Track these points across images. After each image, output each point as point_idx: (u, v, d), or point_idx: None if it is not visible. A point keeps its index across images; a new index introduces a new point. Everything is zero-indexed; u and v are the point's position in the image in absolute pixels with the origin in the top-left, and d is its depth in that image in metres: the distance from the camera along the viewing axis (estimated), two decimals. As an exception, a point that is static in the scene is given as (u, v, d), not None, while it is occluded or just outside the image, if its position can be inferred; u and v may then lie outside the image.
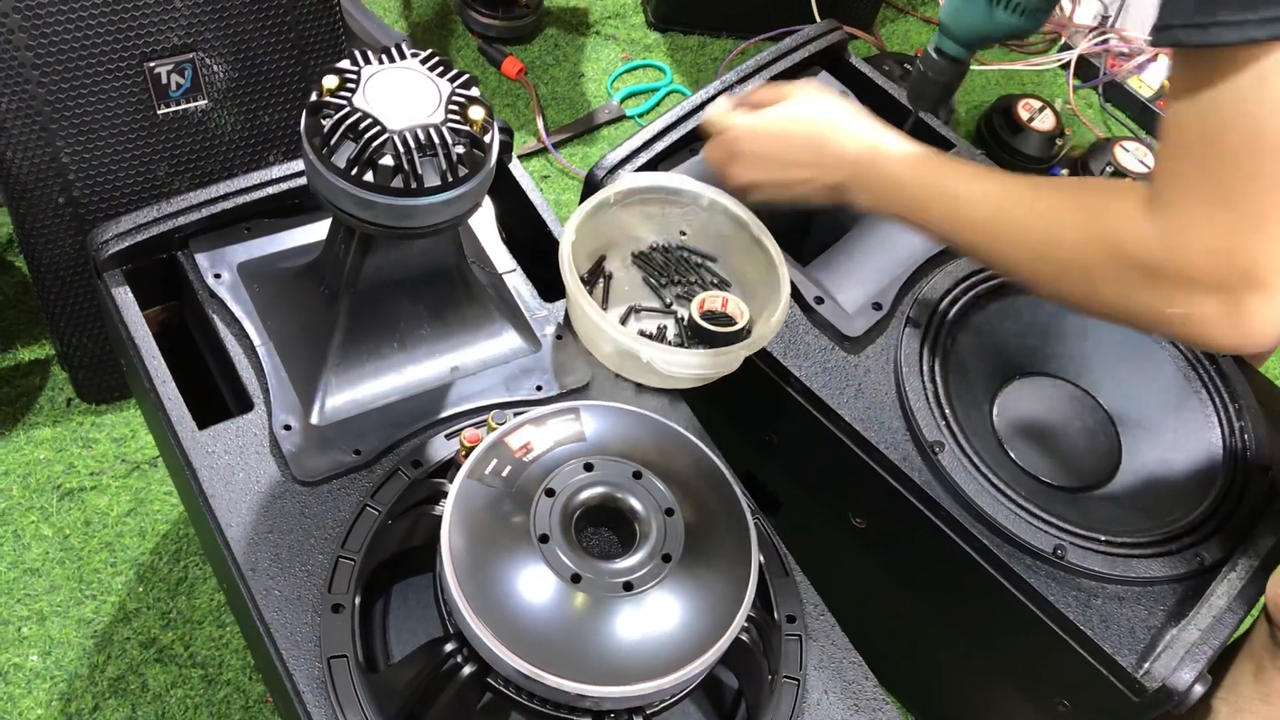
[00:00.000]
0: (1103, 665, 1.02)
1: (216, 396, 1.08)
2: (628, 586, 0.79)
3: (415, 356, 1.01)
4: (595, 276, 1.13)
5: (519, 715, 0.84)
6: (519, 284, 1.10)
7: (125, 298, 1.03)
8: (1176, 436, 1.18)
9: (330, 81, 0.85)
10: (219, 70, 1.37)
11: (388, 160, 0.83)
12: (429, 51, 0.89)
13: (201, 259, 1.05)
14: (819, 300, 1.16)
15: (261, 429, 0.97)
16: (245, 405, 0.99)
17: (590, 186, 1.20)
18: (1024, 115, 1.99)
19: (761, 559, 0.96)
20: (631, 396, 1.05)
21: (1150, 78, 2.19)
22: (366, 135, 0.83)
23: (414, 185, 0.84)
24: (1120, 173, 1.99)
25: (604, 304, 1.12)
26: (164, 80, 1.34)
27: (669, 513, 0.83)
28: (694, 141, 1.24)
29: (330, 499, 0.95)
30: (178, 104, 1.36)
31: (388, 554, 0.89)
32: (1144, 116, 2.16)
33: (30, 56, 1.25)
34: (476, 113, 0.87)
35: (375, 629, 0.90)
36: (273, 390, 0.98)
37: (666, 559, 0.81)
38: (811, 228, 1.37)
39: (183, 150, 1.39)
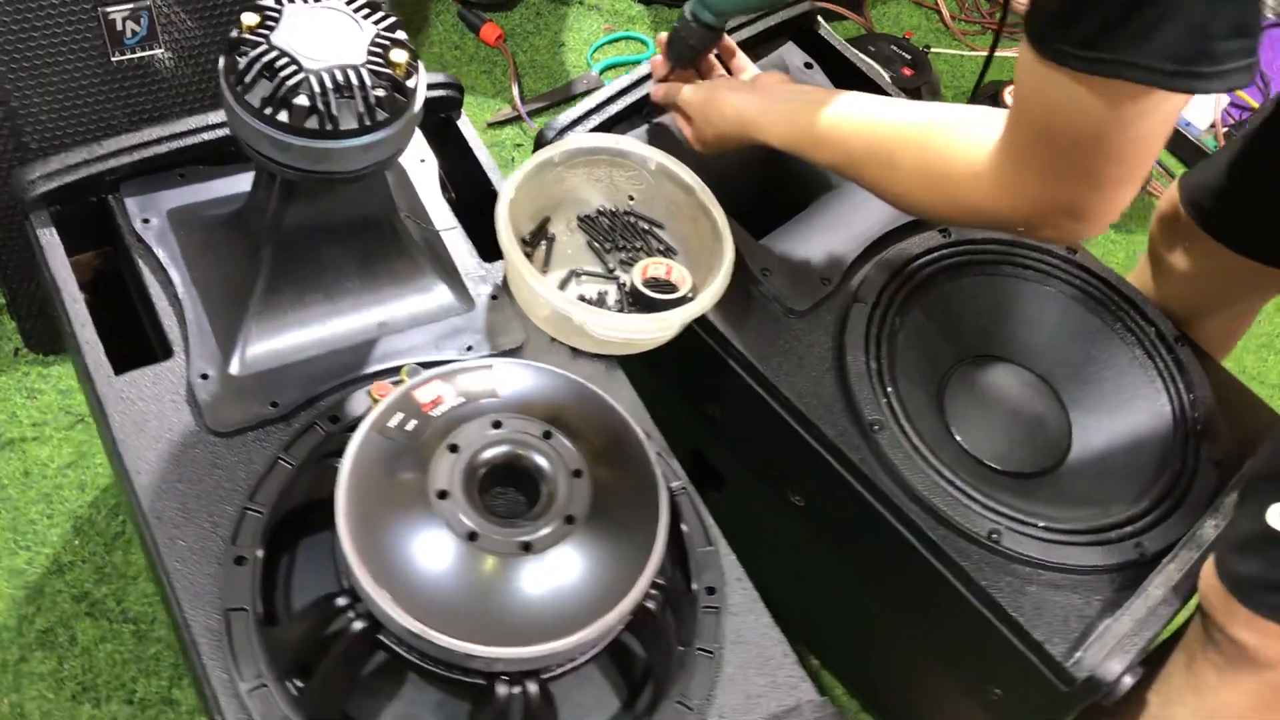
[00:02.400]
0: (1032, 653, 1.00)
1: (147, 345, 1.06)
2: (526, 547, 0.77)
3: (341, 309, 0.99)
4: (538, 238, 1.11)
5: (414, 676, 0.81)
6: (458, 242, 1.08)
7: (50, 239, 1.01)
8: (1128, 425, 1.15)
9: (250, 19, 0.83)
10: (177, 18, 1.35)
11: (302, 100, 0.81)
12: (354, -8, 0.86)
13: (131, 203, 1.02)
14: (765, 272, 1.13)
15: (179, 377, 0.95)
16: (166, 353, 0.97)
17: (540, 146, 1.17)
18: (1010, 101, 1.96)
19: (685, 528, 0.94)
20: (566, 361, 1.03)
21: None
22: (282, 74, 0.81)
23: (330, 127, 0.82)
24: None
25: (545, 267, 1.10)
26: (119, 27, 1.32)
27: (576, 474, 0.81)
28: (648, 107, 1.21)
29: (243, 451, 0.93)
30: (133, 51, 1.34)
31: (293, 507, 0.87)
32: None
33: (-21, -3, 1.23)
34: (399, 56, 0.84)
35: (279, 583, 0.88)
36: (192, 338, 0.96)
37: (569, 521, 0.79)
38: (771, 202, 1.34)
39: (139, 99, 1.37)
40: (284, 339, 0.97)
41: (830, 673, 1.39)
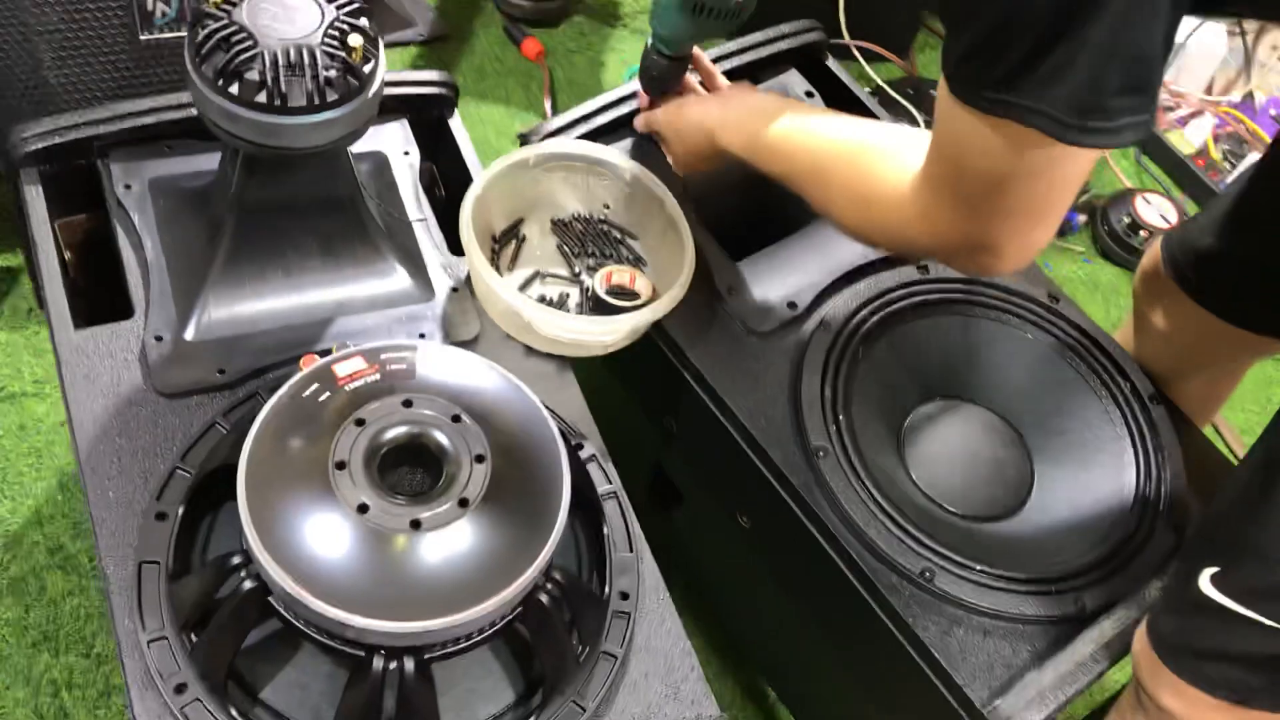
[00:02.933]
0: (952, 695, 0.98)
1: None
2: (415, 524, 0.78)
3: (300, 286, 1.02)
4: (509, 237, 1.12)
5: (309, 645, 0.83)
6: (428, 233, 1.10)
7: (34, 196, 1.05)
8: (1090, 478, 1.13)
9: (217, -6, 0.86)
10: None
11: (253, 74, 0.84)
12: (324, -22, 0.89)
13: (116, 169, 1.06)
14: (731, 290, 1.14)
15: (135, 337, 0.98)
16: (128, 312, 1.00)
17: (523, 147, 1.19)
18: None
19: (608, 531, 0.94)
20: (518, 358, 1.04)
21: (1193, 135, 2.12)
22: (236, 48, 0.84)
23: (278, 103, 0.84)
24: (1137, 224, 1.93)
25: (512, 265, 1.11)
26: (149, 7, 1.37)
27: (479, 459, 0.82)
28: (632, 123, 1.22)
29: (185, 413, 0.95)
30: (161, 32, 1.39)
31: (217, 468, 0.89)
32: (1179, 173, 2.09)
33: (21, -32, 1.29)
34: (356, 40, 0.87)
35: (198, 541, 0.90)
36: (153, 300, 0.99)
37: (464, 504, 0.79)
38: (759, 228, 1.34)
39: (163, 78, 1.42)
40: (240, 309, 1.00)
41: (776, 694, 1.38)
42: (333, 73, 0.85)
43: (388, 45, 1.88)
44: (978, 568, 1.02)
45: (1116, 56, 0.69)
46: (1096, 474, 1.13)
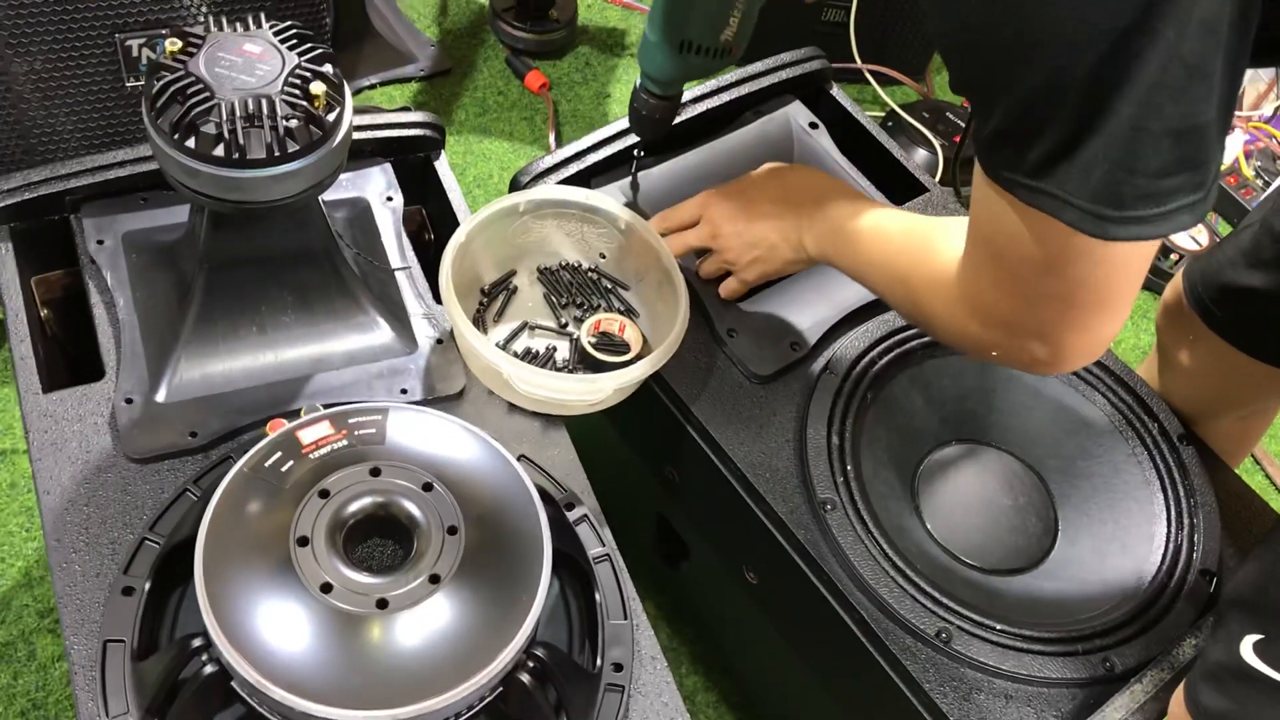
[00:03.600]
0: (973, 767, 0.92)
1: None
2: (382, 604, 0.73)
3: (275, 343, 0.97)
4: (498, 288, 1.08)
5: (275, 729, 0.78)
6: (411, 283, 1.05)
7: (3, 252, 1.01)
8: (1117, 527, 1.06)
9: (173, 44, 0.82)
10: (193, 48, 1.36)
11: (209, 127, 0.79)
12: (287, 24, 0.85)
13: (88, 224, 1.03)
14: (731, 333, 1.08)
15: (105, 399, 0.94)
16: (99, 374, 0.96)
17: (514, 190, 1.15)
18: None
19: (599, 598, 0.89)
20: (504, 414, 0.99)
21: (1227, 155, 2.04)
22: (192, 99, 0.80)
23: (237, 155, 0.80)
24: (1167, 247, 1.86)
25: (499, 317, 1.06)
26: (134, 54, 1.35)
27: (451, 530, 0.77)
28: (629, 160, 1.18)
29: (155, 479, 0.91)
30: (147, 78, 1.36)
31: (186, 539, 0.84)
32: (1220, 200, 2.01)
33: (1, 17, 1.26)
34: (318, 88, 0.82)
35: (167, 617, 0.85)
36: (124, 361, 0.95)
37: (435, 580, 0.74)
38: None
39: (152, 124, 1.39)
40: (212, 369, 0.95)
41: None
42: (294, 123, 0.81)
43: (388, 82, 1.85)
44: (998, 627, 0.95)
45: (1158, 133, 0.60)
46: (1124, 522, 1.06)
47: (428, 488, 0.78)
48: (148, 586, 0.84)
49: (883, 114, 1.93)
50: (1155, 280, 1.87)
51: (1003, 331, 0.77)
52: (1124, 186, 0.62)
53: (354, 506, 0.76)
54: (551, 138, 1.83)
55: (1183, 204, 0.63)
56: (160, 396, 0.94)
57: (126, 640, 0.82)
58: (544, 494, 0.89)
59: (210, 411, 0.94)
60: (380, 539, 0.79)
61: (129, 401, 0.93)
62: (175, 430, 0.92)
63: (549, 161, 1.15)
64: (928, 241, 0.84)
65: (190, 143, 0.80)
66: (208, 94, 0.80)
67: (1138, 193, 0.62)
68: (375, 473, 0.78)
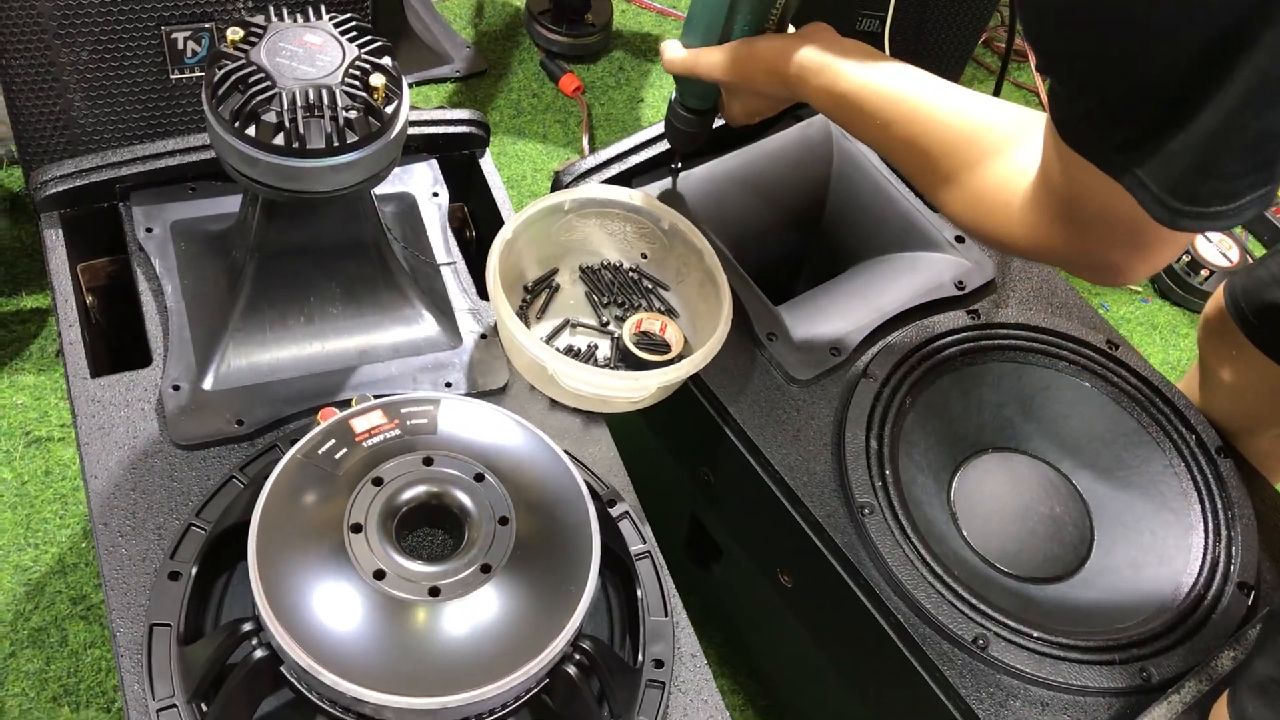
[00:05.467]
0: (1009, 775, 0.92)
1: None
2: (434, 592, 0.73)
3: (322, 333, 0.98)
4: (541, 285, 1.08)
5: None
6: (457, 278, 1.06)
7: (54, 239, 1.02)
8: (1154, 537, 1.06)
9: (235, 34, 0.83)
10: (238, 42, 1.37)
11: (270, 116, 0.80)
12: (346, 15, 0.86)
13: (137, 211, 1.03)
14: (771, 336, 1.09)
15: (152, 386, 0.95)
16: (146, 360, 0.97)
17: (555, 189, 1.15)
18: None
19: (641, 595, 0.89)
20: (546, 410, 1.00)
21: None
22: (253, 89, 0.80)
23: (297, 145, 0.81)
24: (1197, 263, 1.86)
25: (542, 314, 1.07)
26: (180, 46, 1.35)
27: (503, 521, 0.77)
28: (670, 162, 1.18)
29: (201, 466, 0.92)
30: (192, 71, 1.37)
31: (232, 525, 0.85)
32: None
33: (50, 7, 1.27)
34: (378, 80, 0.83)
35: (213, 602, 0.86)
36: (171, 348, 0.96)
37: (486, 570, 0.75)
38: (800, 269, 1.30)
39: (195, 118, 1.40)
40: (260, 358, 0.96)
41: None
42: (353, 114, 0.82)
43: (423, 82, 1.86)
44: (1035, 634, 0.95)
45: (1237, 145, 0.61)
46: (1161, 533, 1.06)
47: (479, 478, 0.78)
48: (194, 571, 0.84)
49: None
50: (1187, 298, 1.87)
51: (1068, 260, 0.78)
52: (1198, 186, 0.63)
53: (407, 495, 0.77)
54: (585, 141, 1.84)
55: (1251, 199, 0.64)
56: (207, 384, 0.95)
57: (173, 624, 0.82)
58: (589, 491, 0.89)
59: (257, 400, 0.94)
60: (430, 529, 0.79)
61: (176, 388, 0.94)
62: (222, 418, 0.93)
63: (591, 162, 1.16)
64: (988, 149, 0.81)
65: (250, 131, 0.81)
66: (269, 83, 0.81)
67: (1211, 192, 0.63)
68: (428, 462, 0.78)
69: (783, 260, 1.27)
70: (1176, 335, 1.85)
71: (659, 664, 0.88)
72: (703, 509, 1.20)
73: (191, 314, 0.98)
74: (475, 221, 1.21)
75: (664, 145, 1.18)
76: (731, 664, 1.38)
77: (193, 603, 0.83)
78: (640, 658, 0.87)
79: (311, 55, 0.83)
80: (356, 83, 0.83)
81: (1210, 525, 1.05)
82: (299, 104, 0.80)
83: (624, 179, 1.17)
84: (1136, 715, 0.93)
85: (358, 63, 0.83)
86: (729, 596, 1.27)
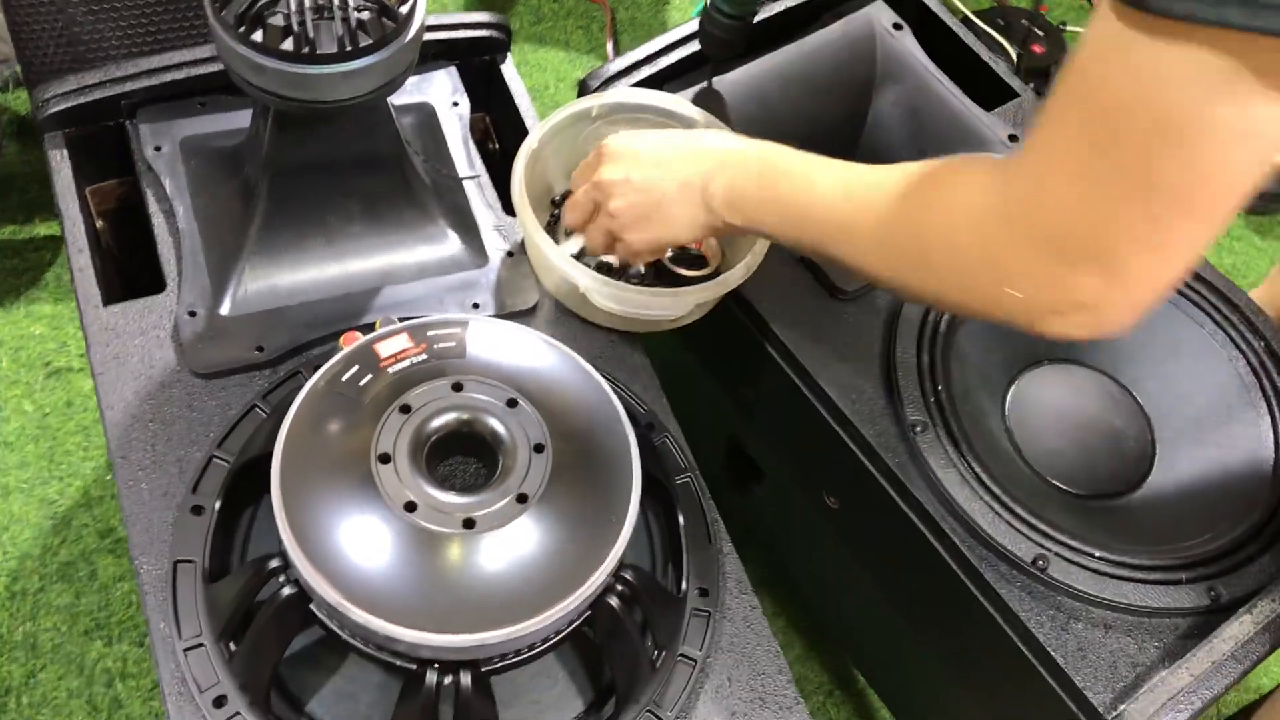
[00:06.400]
0: (1071, 699, 0.88)
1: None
2: (469, 524, 0.69)
3: (342, 254, 0.93)
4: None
5: (357, 656, 0.75)
6: (481, 193, 1.00)
7: (59, 160, 0.98)
8: (1220, 451, 1.01)
9: (237, -69, 0.77)
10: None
11: (277, 19, 0.75)
12: (356, -88, 0.80)
13: (145, 129, 0.98)
14: (816, 248, 1.03)
15: (168, 312, 0.91)
16: (160, 286, 0.93)
17: (582, 95, 1.09)
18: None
19: (683, 522, 0.85)
20: (579, 330, 0.95)
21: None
22: (259, -11, 0.75)
23: (306, 50, 0.75)
24: None
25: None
26: (185, -46, 1.29)
27: (538, 448, 0.73)
28: (703, 64, 1.11)
29: (222, 394, 0.88)
30: (197, -21, 1.30)
31: (256, 456, 0.81)
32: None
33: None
34: (391, -22, 0.77)
35: (238, 536, 0.82)
36: (185, 273, 0.91)
37: (522, 499, 0.71)
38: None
39: (201, 27, 1.34)
40: (278, 281, 0.92)
41: (866, 682, 1.29)
42: (366, 15, 0.76)
43: (440, -10, 1.78)
44: (1097, 554, 0.91)
45: None
46: (1227, 445, 1.01)
47: (512, 404, 0.74)
48: (218, 505, 0.81)
49: (958, 19, 1.84)
50: (1257, 203, 1.77)
51: (1052, 255, 0.62)
52: None
53: (436, 423, 0.72)
54: (609, 46, 1.77)
55: None
56: (224, 309, 0.90)
57: (197, 561, 0.79)
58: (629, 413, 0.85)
59: (277, 325, 0.90)
60: (463, 457, 0.75)
61: (192, 314, 0.90)
62: (241, 344, 0.89)
63: (619, 65, 1.10)
64: (942, 174, 0.70)
65: (256, 36, 0.75)
66: (275, -17, 0.75)
67: None
68: (457, 388, 0.74)
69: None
70: (1232, 239, 1.78)
71: (704, 593, 0.84)
72: (743, 430, 1.16)
73: (206, 236, 0.93)
74: (498, 132, 1.15)
75: (695, 46, 1.11)
76: (771, 585, 1.35)
77: (217, 538, 0.80)
78: (684, 586, 0.83)
79: (318, -48, 0.76)
80: (368, -20, 0.77)
81: (1278, 438, 1.00)
82: (307, 5, 0.75)
83: (654, 83, 1.10)
84: (1204, 636, 0.88)
85: (369, -41, 0.77)
86: (770, 520, 1.23)
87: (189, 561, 0.79)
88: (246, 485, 0.82)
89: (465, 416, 0.73)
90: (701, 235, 0.86)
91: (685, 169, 0.82)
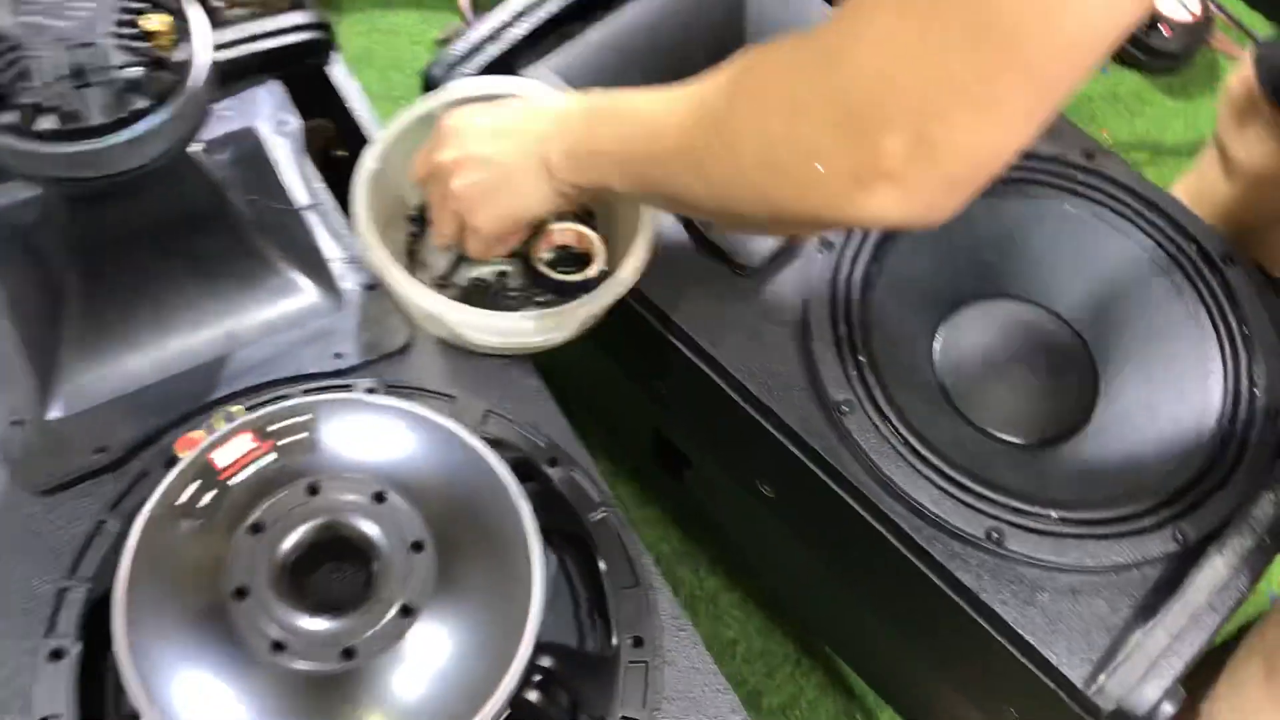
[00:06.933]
0: (1047, 676, 0.82)
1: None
2: (349, 654, 0.60)
3: (177, 326, 0.82)
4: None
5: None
6: (324, 221, 0.89)
7: None
8: (1167, 374, 0.94)
9: (-40, -7, 0.65)
10: None
11: (29, 96, 0.63)
12: (97, -56, 0.67)
13: (-72, 214, 0.86)
14: (708, 223, 0.93)
15: (-10, 425, 0.80)
16: (-21, 395, 0.82)
17: (430, 87, 0.98)
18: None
19: (604, 567, 0.77)
20: (461, 366, 0.85)
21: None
22: (-3, 63, 0.63)
23: (72, 126, 0.64)
24: (1154, 18, 1.69)
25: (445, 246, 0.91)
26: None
27: (417, 547, 0.64)
28: (566, 25, 1.00)
29: (66, 511, 0.78)
30: None
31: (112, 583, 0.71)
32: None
33: None
34: (156, 21, 0.65)
35: (109, 678, 0.73)
36: (2, 379, 0.80)
37: (407, 612, 0.62)
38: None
39: None
40: (109, 369, 0.81)
41: (838, 655, 1.23)
42: (134, 71, 0.64)
43: (270, -34, 1.62)
44: (1054, 515, 0.84)
45: None
46: (1174, 366, 0.94)
47: (380, 498, 0.65)
48: (79, 647, 0.71)
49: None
50: (1149, 61, 1.69)
51: (858, 115, 0.54)
52: None
53: (294, 539, 0.63)
54: (464, 1, 1.63)
55: None
56: (55, 412, 0.80)
57: (64, 715, 0.70)
58: (521, 462, 0.76)
59: (116, 420, 0.80)
60: (333, 564, 0.66)
61: (18, 424, 0.79)
62: (79, 449, 0.78)
63: (463, 48, 0.98)
64: (754, 60, 0.61)
65: (8, 118, 0.63)
66: (18, 51, 0.63)
67: None
68: (313, 490, 0.64)
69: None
70: (1142, 103, 1.70)
71: (638, 642, 0.76)
72: (667, 426, 1.07)
73: (18, 331, 0.82)
74: (346, 137, 1.03)
75: (545, 10, 0.99)
76: (724, 562, 1.28)
77: (85, 685, 0.70)
78: (614, 640, 0.75)
79: (59, 4, 0.64)
80: (129, 30, 0.65)
81: (1227, 351, 0.93)
82: (61, 73, 0.63)
83: (506, 63, 0.99)
84: (1178, 583, 0.82)
85: (124, 4, 0.65)
86: (711, 505, 1.15)
87: (54, 717, 0.70)
88: (109, 615, 0.73)
89: (325, 523, 0.64)
90: (554, 206, 0.77)
91: (524, 137, 0.75)
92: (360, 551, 0.64)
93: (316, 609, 0.63)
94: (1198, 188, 1.07)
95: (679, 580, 1.27)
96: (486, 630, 0.62)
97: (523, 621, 0.63)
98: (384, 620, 0.61)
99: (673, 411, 1.03)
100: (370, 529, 0.64)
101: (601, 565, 0.77)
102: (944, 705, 1.03)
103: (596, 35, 1.02)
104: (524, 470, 0.77)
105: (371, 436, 0.67)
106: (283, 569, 0.62)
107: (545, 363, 0.87)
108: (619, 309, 0.91)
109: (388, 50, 1.60)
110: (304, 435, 0.66)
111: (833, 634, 1.18)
